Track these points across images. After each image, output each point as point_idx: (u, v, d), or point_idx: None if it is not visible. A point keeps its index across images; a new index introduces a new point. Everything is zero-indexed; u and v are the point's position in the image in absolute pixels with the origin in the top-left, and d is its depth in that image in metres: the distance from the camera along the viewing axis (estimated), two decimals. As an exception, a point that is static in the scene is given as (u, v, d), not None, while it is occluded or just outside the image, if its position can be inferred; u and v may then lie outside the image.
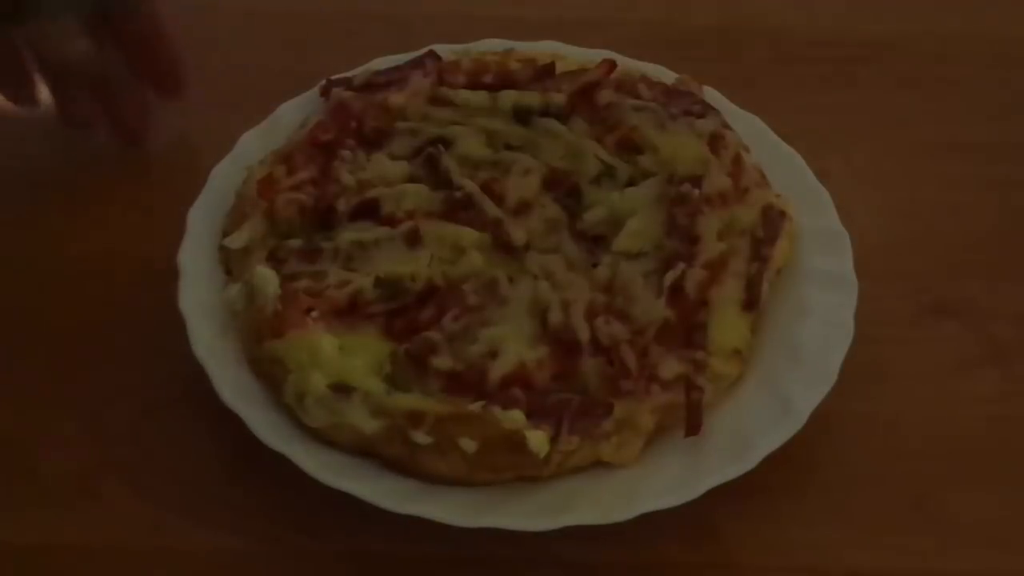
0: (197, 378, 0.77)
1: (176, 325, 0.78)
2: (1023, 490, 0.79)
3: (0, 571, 0.74)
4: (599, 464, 0.74)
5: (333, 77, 0.91)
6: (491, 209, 0.80)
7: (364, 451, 0.73)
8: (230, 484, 0.78)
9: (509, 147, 0.86)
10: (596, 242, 0.81)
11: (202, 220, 0.84)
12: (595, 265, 0.80)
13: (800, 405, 0.75)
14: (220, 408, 0.75)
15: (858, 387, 0.78)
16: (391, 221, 0.80)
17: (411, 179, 0.82)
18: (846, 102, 0.99)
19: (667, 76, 0.92)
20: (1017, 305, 0.88)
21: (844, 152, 0.94)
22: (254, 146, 0.88)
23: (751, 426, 0.75)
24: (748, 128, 0.90)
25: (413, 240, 0.78)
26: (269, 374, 0.76)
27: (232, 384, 0.76)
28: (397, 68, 0.91)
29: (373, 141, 0.84)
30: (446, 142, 0.84)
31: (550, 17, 0.95)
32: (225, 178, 0.86)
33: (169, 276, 0.81)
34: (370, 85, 0.89)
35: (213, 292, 0.81)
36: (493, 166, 0.83)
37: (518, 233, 0.80)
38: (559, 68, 0.90)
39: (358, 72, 0.91)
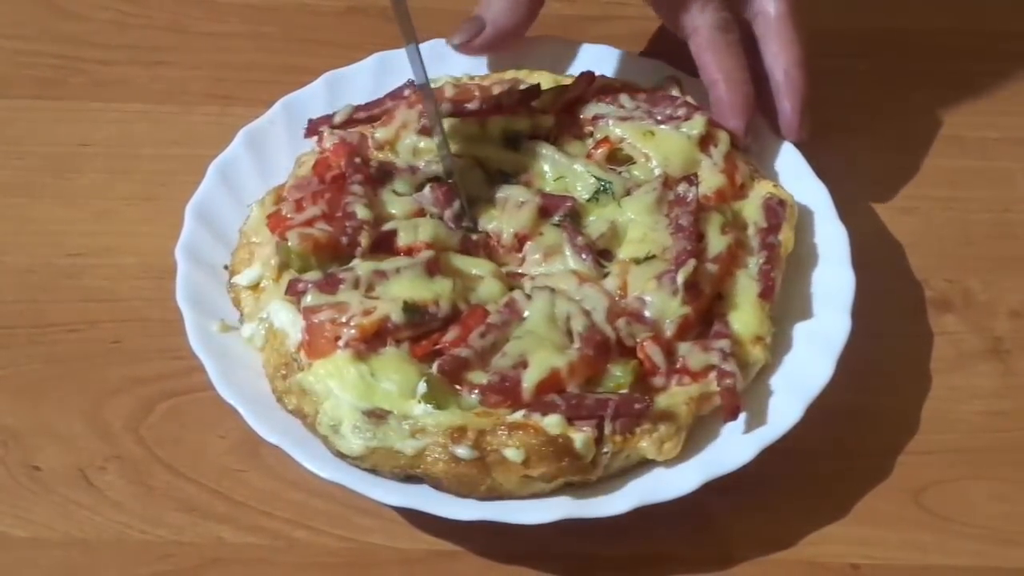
0: (195, 373, 0.77)
1: (174, 320, 0.78)
2: (1022, 484, 0.79)
3: (1, 564, 0.74)
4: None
5: (313, 118, 0.89)
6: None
7: (408, 475, 0.73)
8: (229, 478, 0.77)
9: (502, 172, 0.86)
10: (602, 255, 0.81)
11: (200, 215, 0.84)
12: (606, 275, 0.80)
13: (798, 398, 0.76)
14: (218, 403, 0.75)
15: (857, 381, 0.79)
16: (408, 251, 0.80)
17: (420, 212, 0.82)
18: (845, 96, 0.99)
19: (666, 71, 0.92)
20: (1015, 300, 0.88)
21: (842, 147, 0.94)
22: (252, 141, 0.88)
23: (748, 419, 0.76)
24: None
25: (433, 268, 0.78)
26: (298, 408, 0.75)
27: (229, 378, 0.75)
28: (377, 101, 0.90)
29: (376, 178, 0.84)
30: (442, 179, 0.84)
31: (548, 13, 0.95)
32: (223, 172, 0.86)
33: (167, 271, 0.81)
34: (352, 120, 0.88)
35: (210, 286, 0.81)
36: (488, 203, 0.83)
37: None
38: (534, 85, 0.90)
39: (337, 110, 0.89)
